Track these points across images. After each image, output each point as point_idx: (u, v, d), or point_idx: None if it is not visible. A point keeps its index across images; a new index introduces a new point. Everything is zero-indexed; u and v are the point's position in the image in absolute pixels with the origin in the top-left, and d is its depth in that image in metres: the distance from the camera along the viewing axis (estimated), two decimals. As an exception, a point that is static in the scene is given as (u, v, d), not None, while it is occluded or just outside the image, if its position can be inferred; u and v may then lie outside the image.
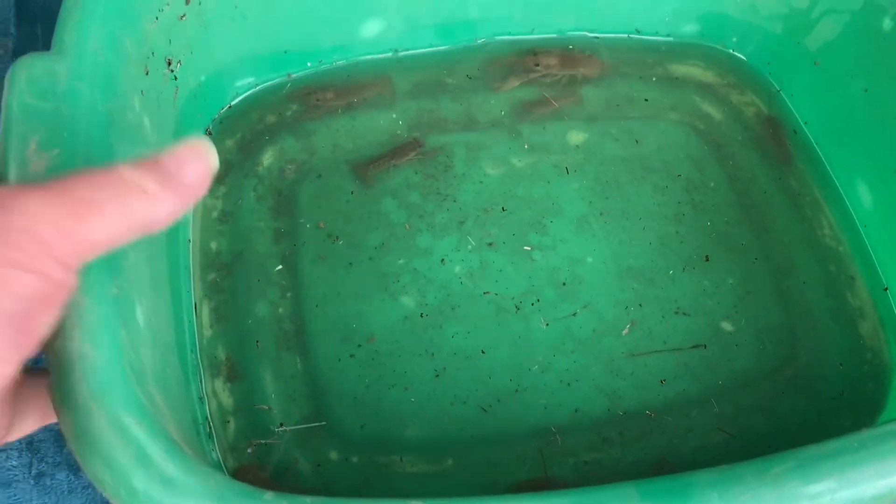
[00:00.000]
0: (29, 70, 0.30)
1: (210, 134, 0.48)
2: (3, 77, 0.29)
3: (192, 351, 0.42)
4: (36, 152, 0.28)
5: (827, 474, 0.24)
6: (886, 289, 0.47)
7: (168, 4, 0.40)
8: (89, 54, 0.32)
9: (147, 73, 0.38)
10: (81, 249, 0.22)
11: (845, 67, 0.49)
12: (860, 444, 0.25)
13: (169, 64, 0.41)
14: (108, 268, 0.28)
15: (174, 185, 0.23)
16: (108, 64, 0.33)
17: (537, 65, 0.51)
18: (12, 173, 0.27)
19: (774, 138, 0.52)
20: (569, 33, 0.54)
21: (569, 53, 0.53)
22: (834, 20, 0.49)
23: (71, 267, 0.22)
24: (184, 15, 0.41)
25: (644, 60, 0.55)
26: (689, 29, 0.55)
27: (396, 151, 0.49)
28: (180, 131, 0.44)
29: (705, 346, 0.45)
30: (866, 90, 0.47)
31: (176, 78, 0.42)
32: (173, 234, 0.41)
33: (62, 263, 0.21)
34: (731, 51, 0.55)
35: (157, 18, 0.39)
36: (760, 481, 0.24)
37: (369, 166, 0.49)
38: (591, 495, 0.24)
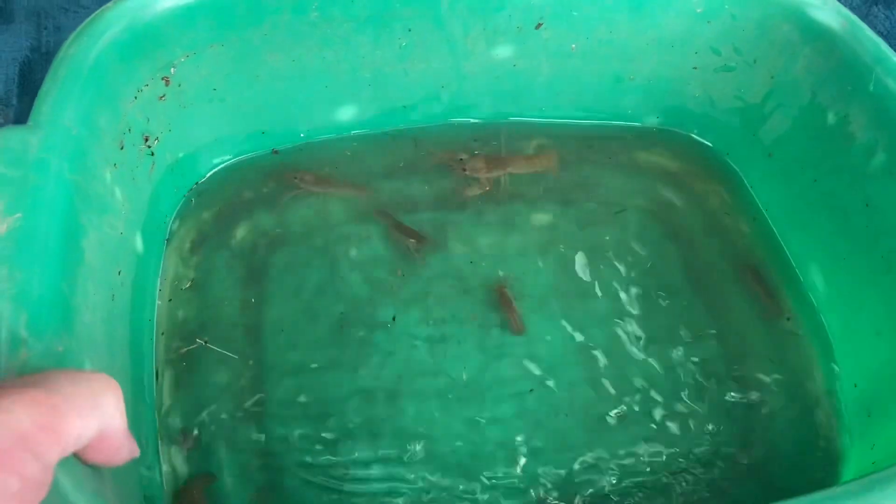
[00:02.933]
0: (4, 140, 0.32)
1: (191, 202, 0.51)
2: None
3: (150, 419, 0.43)
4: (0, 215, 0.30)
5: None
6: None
7: (147, 85, 0.43)
8: (62, 128, 0.34)
9: (122, 148, 0.41)
10: (60, 444, 0.22)
11: (796, 159, 0.51)
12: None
13: (146, 140, 0.44)
14: (58, 325, 0.29)
15: None
16: (80, 138, 0.35)
17: (464, 169, 0.54)
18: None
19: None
20: (533, 119, 0.57)
21: (494, 156, 0.56)
22: (784, 114, 0.51)
23: (50, 463, 0.21)
24: (163, 95, 0.44)
25: (609, 147, 0.57)
26: (652, 120, 0.57)
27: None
28: (155, 203, 0.46)
29: (656, 427, 0.46)
30: (815, 180, 0.49)
31: (153, 154, 0.45)
32: (139, 299, 0.43)
33: (42, 461, 0.21)
34: (694, 136, 0.58)
35: (135, 98, 0.42)
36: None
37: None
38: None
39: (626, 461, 0.45)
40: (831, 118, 0.48)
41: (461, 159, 0.55)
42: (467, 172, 0.54)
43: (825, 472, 0.45)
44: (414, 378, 0.46)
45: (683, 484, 0.44)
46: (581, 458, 0.44)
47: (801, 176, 0.50)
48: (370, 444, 0.44)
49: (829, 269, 0.49)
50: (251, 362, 0.47)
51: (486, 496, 0.43)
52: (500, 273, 0.51)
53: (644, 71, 0.55)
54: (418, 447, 0.44)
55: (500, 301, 0.49)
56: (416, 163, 0.55)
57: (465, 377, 0.46)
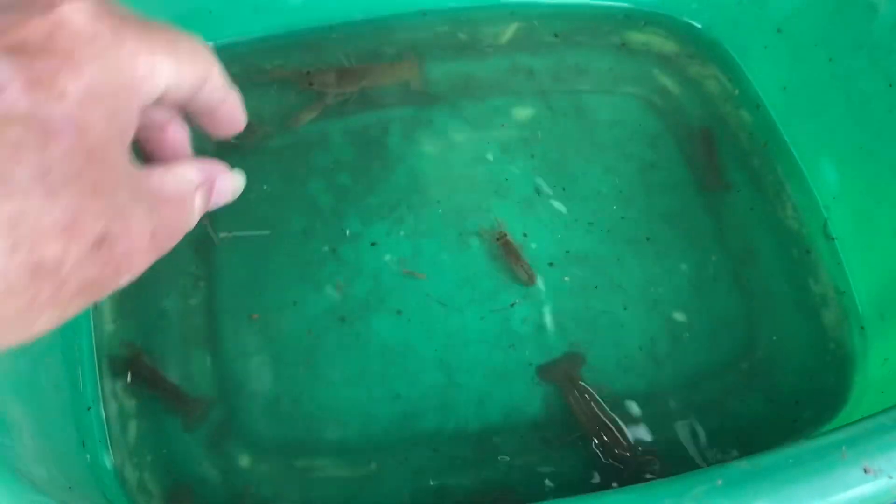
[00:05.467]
0: None
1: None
2: None
3: (87, 350, 0.38)
4: None
5: (755, 496, 0.21)
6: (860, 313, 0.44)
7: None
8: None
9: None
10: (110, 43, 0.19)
11: (810, 35, 0.45)
12: (796, 460, 0.22)
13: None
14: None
15: None
16: None
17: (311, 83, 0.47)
18: None
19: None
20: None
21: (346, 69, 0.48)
22: (798, -16, 0.45)
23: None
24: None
25: (599, 28, 0.51)
26: (647, -7, 0.51)
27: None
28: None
29: (652, 340, 0.42)
30: (831, 59, 0.44)
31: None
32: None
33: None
34: (689, 21, 0.51)
35: None
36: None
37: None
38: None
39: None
40: (855, -13, 0.42)
41: (308, 73, 0.47)
42: (314, 87, 0.47)
43: (837, 375, 0.42)
44: (384, 297, 0.42)
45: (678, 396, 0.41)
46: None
47: (814, 54, 0.45)
48: (338, 365, 0.40)
49: (843, 160, 0.44)
50: (202, 284, 0.42)
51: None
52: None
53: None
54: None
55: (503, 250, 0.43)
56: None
57: (445, 287, 0.42)
